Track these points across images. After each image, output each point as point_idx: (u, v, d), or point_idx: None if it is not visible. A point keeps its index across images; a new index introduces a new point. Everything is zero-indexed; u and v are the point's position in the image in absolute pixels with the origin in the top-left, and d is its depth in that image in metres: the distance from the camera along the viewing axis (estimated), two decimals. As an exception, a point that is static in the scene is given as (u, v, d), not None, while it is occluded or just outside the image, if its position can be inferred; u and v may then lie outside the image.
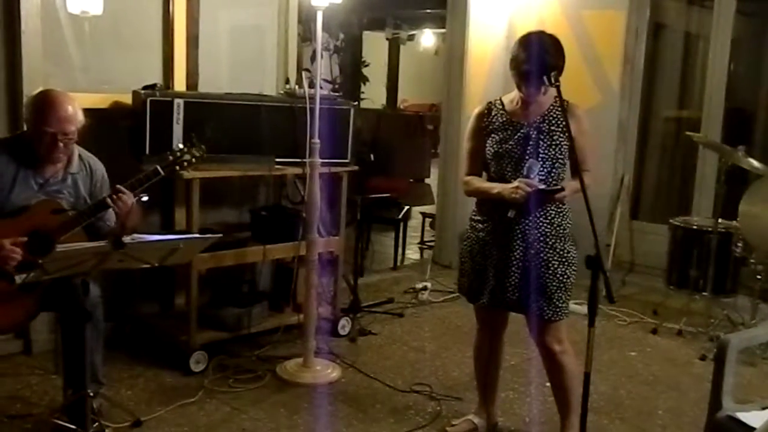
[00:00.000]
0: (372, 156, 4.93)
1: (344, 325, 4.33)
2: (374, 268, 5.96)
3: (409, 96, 15.82)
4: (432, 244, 6.50)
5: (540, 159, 2.81)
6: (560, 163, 2.85)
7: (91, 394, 2.79)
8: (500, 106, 2.94)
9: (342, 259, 4.34)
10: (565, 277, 2.86)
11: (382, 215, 6.31)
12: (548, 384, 3.67)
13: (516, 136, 2.85)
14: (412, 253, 6.63)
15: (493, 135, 2.89)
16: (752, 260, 4.41)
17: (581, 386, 2.82)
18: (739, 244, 4.45)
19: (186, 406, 3.33)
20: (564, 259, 2.86)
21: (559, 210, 2.88)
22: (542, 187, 2.76)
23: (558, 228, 2.87)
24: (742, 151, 4.35)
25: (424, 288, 5.29)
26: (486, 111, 2.95)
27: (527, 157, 2.80)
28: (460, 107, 5.97)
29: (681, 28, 6.08)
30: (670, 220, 4.89)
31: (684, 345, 4.46)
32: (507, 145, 2.85)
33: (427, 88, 14.91)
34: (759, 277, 4.38)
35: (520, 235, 2.84)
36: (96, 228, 2.91)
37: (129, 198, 2.80)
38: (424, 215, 6.90)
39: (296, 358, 3.81)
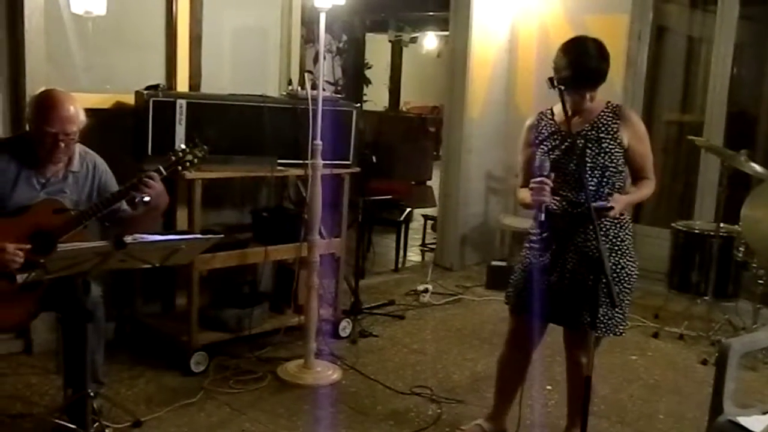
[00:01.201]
0: (374, 158, 4.92)
1: (345, 327, 4.33)
2: (375, 270, 5.95)
3: (411, 98, 15.82)
4: (433, 246, 6.50)
5: (588, 168, 2.71)
6: (612, 171, 2.74)
7: (92, 394, 2.78)
8: (550, 116, 2.87)
9: (343, 260, 4.33)
10: (625, 296, 2.81)
11: (383, 217, 6.30)
12: (549, 387, 3.69)
13: (563, 146, 2.77)
14: (414, 255, 6.62)
15: (542, 146, 2.83)
16: (754, 264, 4.40)
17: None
18: (741, 249, 4.45)
19: (186, 406, 3.33)
20: (616, 275, 2.76)
21: (616, 221, 2.79)
22: (594, 204, 2.60)
23: (614, 239, 2.79)
24: (744, 155, 4.34)
25: (426, 290, 5.29)
26: (536, 122, 2.90)
27: (572, 167, 2.72)
28: (462, 110, 5.98)
29: (684, 32, 6.07)
30: (672, 224, 4.88)
31: (685, 349, 4.46)
32: (554, 155, 2.77)
33: (430, 90, 14.90)
34: (761, 281, 4.38)
35: (573, 248, 2.77)
36: (117, 218, 2.93)
37: (157, 181, 2.82)
38: (426, 217, 6.90)
39: (297, 360, 3.81)
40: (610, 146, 2.73)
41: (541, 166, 2.69)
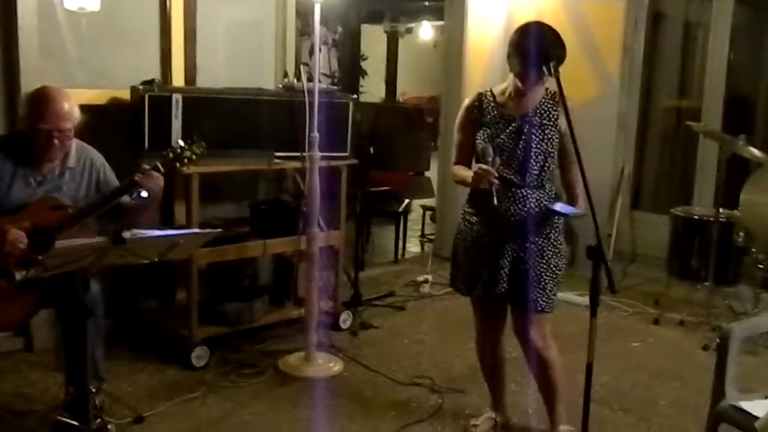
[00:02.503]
0: (371, 149, 4.91)
1: (345, 319, 4.33)
2: (375, 262, 5.96)
3: (408, 89, 15.81)
4: (432, 237, 6.51)
5: (533, 153, 2.78)
6: (552, 157, 2.82)
7: (93, 390, 2.78)
8: (491, 98, 2.90)
9: (342, 252, 4.33)
10: (558, 268, 2.86)
11: (382, 208, 6.30)
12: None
13: (508, 130, 2.82)
14: (413, 246, 6.62)
15: (484, 128, 2.86)
16: (754, 249, 4.40)
17: (563, 376, 2.92)
18: (741, 234, 4.44)
19: (188, 401, 3.33)
20: (557, 250, 2.86)
21: (553, 201, 2.86)
22: (557, 209, 2.77)
23: (553, 221, 2.86)
24: (742, 140, 4.34)
25: (425, 281, 5.29)
26: (477, 103, 2.92)
27: (519, 152, 2.78)
28: (458, 99, 5.93)
29: (680, 17, 6.04)
30: (671, 210, 4.88)
31: (686, 335, 4.46)
32: (498, 140, 2.81)
33: (426, 80, 14.89)
34: (761, 266, 4.38)
35: (513, 225, 2.82)
36: (114, 211, 2.92)
37: (159, 177, 2.83)
38: (425, 208, 6.90)
39: (298, 352, 3.81)
40: (551, 132, 2.80)
41: (484, 151, 2.77)
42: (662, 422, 3.36)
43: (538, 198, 2.82)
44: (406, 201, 6.36)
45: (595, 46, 5.62)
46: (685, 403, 3.53)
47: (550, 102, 2.83)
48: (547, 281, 2.83)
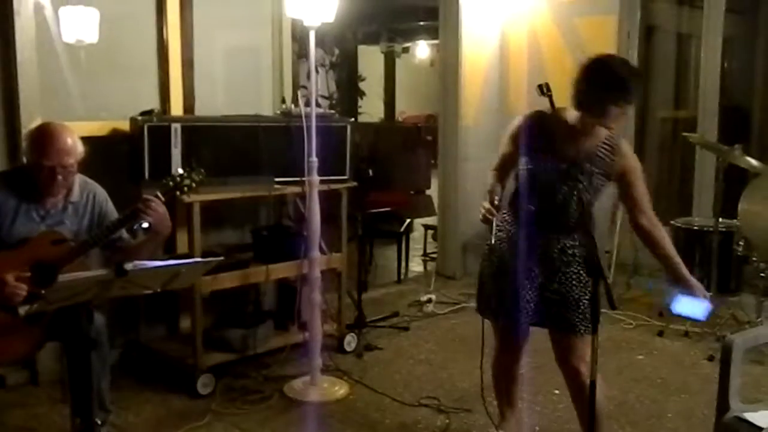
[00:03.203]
0: (371, 171, 4.94)
1: (350, 341, 4.33)
2: (378, 283, 5.96)
3: (406, 108, 15.86)
4: (435, 255, 6.50)
5: (574, 201, 2.66)
6: (591, 206, 2.70)
7: (99, 422, 2.79)
8: (549, 125, 2.67)
9: (345, 275, 4.34)
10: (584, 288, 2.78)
11: (383, 229, 6.31)
12: (557, 391, 3.69)
13: (553, 169, 2.67)
14: (416, 266, 6.63)
15: (530, 155, 2.71)
16: (755, 258, 4.41)
17: (605, 405, 2.87)
18: (741, 243, 4.46)
19: (194, 429, 3.34)
20: (577, 270, 2.78)
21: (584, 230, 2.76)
22: (682, 311, 2.63)
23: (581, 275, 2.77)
24: (738, 149, 4.36)
25: (429, 300, 5.29)
26: (534, 124, 2.74)
27: (560, 196, 2.67)
28: (456, 118, 6.00)
29: (673, 30, 6.10)
30: (671, 221, 4.89)
31: (691, 346, 4.46)
32: (541, 176, 2.68)
33: (424, 99, 14.94)
34: (762, 274, 4.38)
35: (546, 247, 2.75)
36: (116, 248, 2.94)
37: (159, 204, 2.81)
38: (426, 227, 6.91)
39: (303, 377, 3.81)
40: (599, 183, 2.70)
41: (493, 189, 2.72)
42: (670, 435, 3.35)
43: (571, 244, 2.75)
44: (408, 220, 6.37)
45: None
46: (692, 415, 3.52)
47: (607, 148, 2.68)
48: (586, 304, 2.71)
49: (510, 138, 2.86)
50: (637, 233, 2.78)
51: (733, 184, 4.57)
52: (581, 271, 2.75)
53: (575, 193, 2.64)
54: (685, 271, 2.69)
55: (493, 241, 2.68)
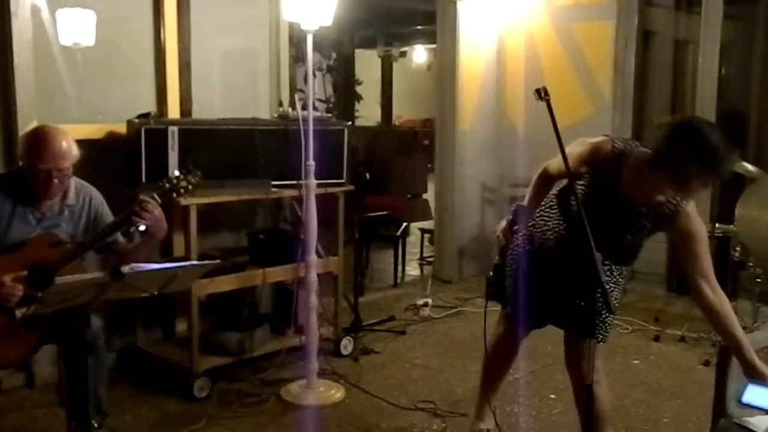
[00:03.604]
0: (368, 174, 4.94)
1: (346, 345, 4.33)
2: (375, 287, 5.96)
3: (403, 112, 15.88)
4: (431, 259, 6.51)
5: (620, 247, 2.59)
6: (632, 258, 2.67)
7: (96, 425, 2.78)
8: (624, 161, 2.53)
9: (342, 278, 4.34)
10: (617, 300, 2.78)
11: (380, 233, 6.31)
12: (553, 396, 3.69)
13: (614, 207, 2.55)
14: (412, 270, 6.63)
15: (591, 188, 2.58)
16: (751, 263, 4.42)
17: (610, 416, 2.84)
18: (738, 248, 4.46)
19: (191, 433, 3.33)
20: (618, 285, 2.77)
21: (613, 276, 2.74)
22: (752, 402, 2.37)
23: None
24: (735, 155, 4.35)
25: (425, 304, 5.29)
26: (612, 156, 2.55)
27: (609, 238, 2.51)
28: (453, 122, 6.00)
29: (670, 35, 6.11)
30: (668, 227, 4.88)
31: (687, 351, 4.46)
32: (600, 209, 2.52)
33: (421, 103, 14.97)
34: (759, 279, 4.39)
35: (581, 256, 2.59)
36: (112, 251, 2.93)
37: (154, 207, 2.80)
38: (423, 231, 6.91)
39: (299, 380, 3.80)
40: (647, 236, 2.60)
41: (516, 212, 2.64)
42: (666, 440, 3.36)
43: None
44: (404, 224, 6.37)
45: (586, 65, 5.68)
46: (688, 420, 3.52)
47: (671, 207, 2.51)
48: (605, 314, 2.67)
49: (582, 155, 2.62)
50: (699, 304, 2.58)
51: (729, 189, 4.58)
52: (609, 280, 2.69)
53: (626, 238, 2.58)
54: (753, 356, 2.44)
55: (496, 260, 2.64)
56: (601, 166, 2.56)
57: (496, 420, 3.16)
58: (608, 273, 2.73)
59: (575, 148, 2.63)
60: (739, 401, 2.40)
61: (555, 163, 2.73)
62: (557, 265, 2.74)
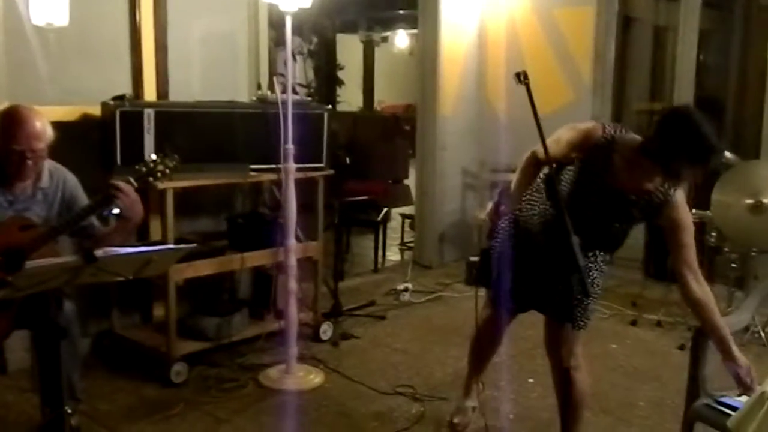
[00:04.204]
0: (348, 159, 4.92)
1: (326, 330, 4.32)
2: (355, 272, 5.95)
3: (385, 97, 15.82)
4: (412, 245, 6.51)
5: (607, 234, 2.59)
6: (616, 246, 2.66)
7: (69, 411, 2.75)
8: (614, 148, 2.52)
9: (321, 263, 4.32)
10: (600, 287, 2.78)
11: (360, 218, 6.29)
12: (531, 380, 3.71)
13: (603, 194, 2.54)
14: (393, 255, 6.63)
15: (579, 172, 2.56)
16: (726, 249, 4.46)
17: (587, 400, 2.86)
18: (713, 234, 4.50)
19: (168, 418, 3.30)
20: (602, 271, 2.77)
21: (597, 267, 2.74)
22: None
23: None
24: (713, 141, 4.38)
25: (406, 289, 5.29)
26: (599, 143, 2.53)
27: (594, 224, 2.51)
28: (434, 107, 5.99)
29: (650, 21, 6.13)
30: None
31: (663, 335, 4.50)
32: (589, 195, 2.53)
33: (403, 88, 14.91)
34: (734, 265, 4.44)
35: (565, 242, 2.58)
36: (87, 235, 2.89)
37: (130, 190, 2.76)
38: (404, 216, 6.91)
39: (278, 365, 3.79)
40: (639, 220, 2.60)
41: (501, 195, 2.64)
42: (641, 423, 3.39)
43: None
44: (385, 209, 6.35)
45: (567, 52, 5.68)
46: (663, 403, 3.56)
47: (660, 196, 2.50)
48: (589, 300, 2.65)
49: (570, 140, 2.60)
50: (683, 295, 2.58)
51: (706, 175, 4.61)
52: (593, 267, 2.72)
53: (612, 225, 2.58)
54: (732, 345, 2.46)
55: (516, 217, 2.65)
56: (591, 152, 2.54)
57: (477, 397, 3.21)
58: (593, 259, 2.74)
59: (565, 134, 2.61)
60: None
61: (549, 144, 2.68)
62: (541, 250, 2.74)
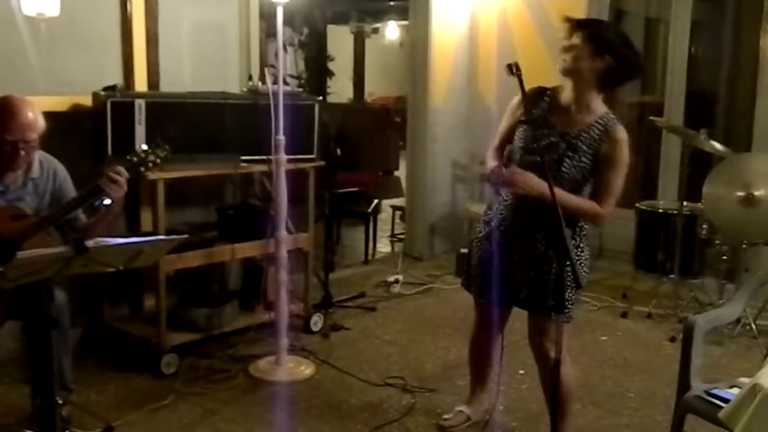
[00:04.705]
0: (339, 150, 4.90)
1: (316, 321, 4.32)
2: (345, 263, 5.95)
3: (375, 89, 15.79)
4: (403, 236, 6.51)
5: (562, 176, 2.60)
6: (581, 186, 2.65)
7: (60, 401, 2.74)
8: (548, 98, 2.71)
9: (312, 255, 4.32)
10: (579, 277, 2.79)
11: (351, 209, 6.28)
12: (522, 371, 3.72)
13: (545, 141, 2.63)
14: (383, 247, 6.63)
15: (526, 127, 2.67)
16: (717, 241, 4.49)
17: (575, 392, 2.88)
18: (705, 226, 4.52)
19: (158, 409, 3.30)
20: (578, 259, 2.70)
21: (576, 232, 2.73)
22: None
23: (575, 227, 2.72)
24: (704, 134, 4.41)
25: (396, 281, 5.29)
26: (531, 97, 2.66)
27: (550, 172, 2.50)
28: (425, 99, 5.98)
29: (641, 14, 6.13)
30: (636, 205, 4.94)
31: (654, 327, 4.52)
32: (532, 146, 2.60)
33: (394, 80, 14.89)
34: (724, 257, 4.46)
35: (535, 230, 2.70)
36: (72, 227, 2.88)
37: (124, 181, 2.75)
38: (394, 208, 6.90)
39: (269, 357, 3.79)
40: (586, 161, 2.63)
41: (510, 155, 2.60)
42: (632, 414, 3.40)
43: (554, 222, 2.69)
44: (376, 201, 6.35)
45: (558, 44, 5.66)
46: (653, 394, 3.58)
47: (600, 128, 2.61)
48: (567, 290, 2.65)
49: (509, 111, 2.82)
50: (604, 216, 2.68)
51: (698, 168, 4.63)
52: (576, 248, 2.70)
53: (563, 168, 2.62)
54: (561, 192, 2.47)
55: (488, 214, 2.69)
56: (529, 103, 2.64)
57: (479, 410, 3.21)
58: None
59: (506, 114, 2.84)
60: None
61: (496, 135, 2.88)
62: (514, 242, 2.76)
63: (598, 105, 2.66)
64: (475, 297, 3.00)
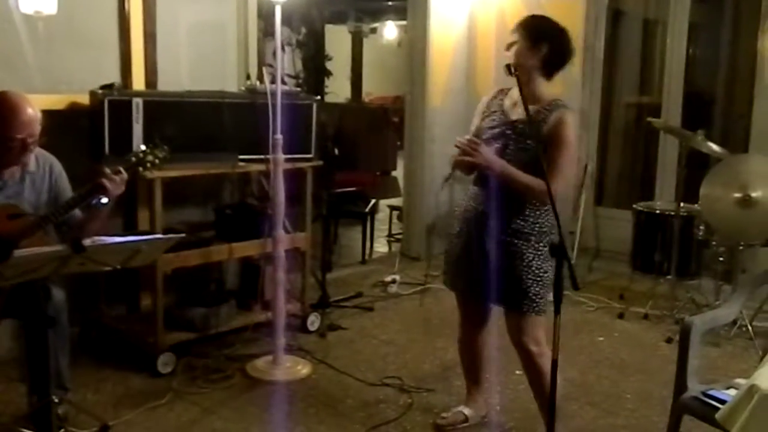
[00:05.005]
0: (336, 150, 4.90)
1: (313, 321, 4.32)
2: (342, 263, 5.94)
3: (373, 89, 15.77)
4: (400, 236, 6.51)
5: (508, 157, 2.74)
6: (532, 167, 2.67)
7: (56, 400, 2.74)
8: (502, 95, 2.94)
9: (309, 254, 4.31)
10: (542, 271, 2.79)
11: (349, 209, 6.29)
12: (518, 372, 3.70)
13: (497, 129, 2.85)
14: (381, 247, 6.63)
15: (487, 118, 2.91)
16: (714, 242, 4.49)
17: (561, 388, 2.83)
18: (702, 227, 4.52)
19: (155, 408, 3.30)
20: (540, 253, 2.79)
21: (535, 208, 2.79)
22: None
23: (534, 225, 2.78)
24: (701, 135, 4.41)
25: (393, 281, 5.29)
26: (492, 97, 2.97)
27: (506, 158, 2.76)
28: (423, 99, 5.98)
29: (639, 15, 6.14)
30: (633, 206, 4.94)
31: (650, 328, 4.53)
32: (489, 133, 2.84)
33: (391, 80, 14.87)
34: (721, 258, 4.46)
35: (494, 224, 2.80)
36: (70, 224, 2.88)
37: (123, 179, 2.77)
38: (392, 208, 6.91)
39: (266, 356, 3.79)
40: (532, 144, 2.71)
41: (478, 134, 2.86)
42: (628, 415, 3.40)
43: (517, 221, 2.78)
44: (373, 201, 6.35)
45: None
46: (650, 395, 3.58)
47: (546, 112, 2.77)
48: (530, 284, 2.77)
49: (478, 111, 3.01)
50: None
51: (695, 169, 4.64)
52: (525, 249, 2.78)
53: (508, 152, 2.77)
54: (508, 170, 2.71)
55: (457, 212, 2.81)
56: (491, 101, 2.95)
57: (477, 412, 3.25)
58: (536, 246, 2.79)
59: (474, 116, 3.01)
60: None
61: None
62: (478, 234, 2.86)
63: (546, 93, 2.83)
64: (456, 295, 3.09)
